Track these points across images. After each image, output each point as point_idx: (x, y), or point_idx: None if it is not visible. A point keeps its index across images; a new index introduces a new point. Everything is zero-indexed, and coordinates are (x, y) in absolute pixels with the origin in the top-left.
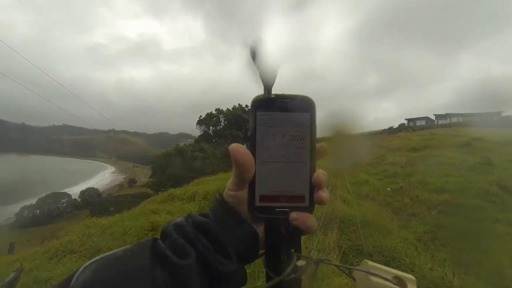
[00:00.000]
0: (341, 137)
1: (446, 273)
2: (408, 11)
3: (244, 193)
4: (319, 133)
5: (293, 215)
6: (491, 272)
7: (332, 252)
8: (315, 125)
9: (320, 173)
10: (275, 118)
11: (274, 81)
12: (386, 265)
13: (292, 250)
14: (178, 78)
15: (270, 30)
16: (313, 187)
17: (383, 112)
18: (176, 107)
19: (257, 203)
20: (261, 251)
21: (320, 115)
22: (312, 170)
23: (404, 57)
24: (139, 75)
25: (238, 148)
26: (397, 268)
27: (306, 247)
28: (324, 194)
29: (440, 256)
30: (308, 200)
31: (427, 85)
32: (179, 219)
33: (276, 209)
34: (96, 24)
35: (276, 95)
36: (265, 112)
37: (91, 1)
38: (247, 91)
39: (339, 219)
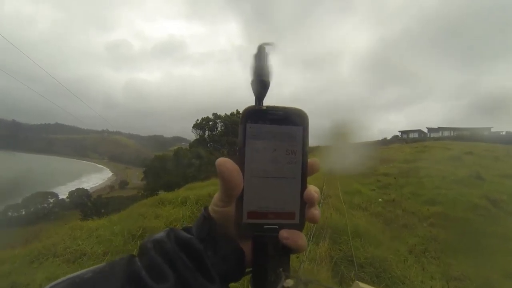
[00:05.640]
0: (339, 146)
1: (436, 286)
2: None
3: (231, 209)
4: (321, 142)
5: (283, 233)
6: (480, 286)
7: (323, 262)
8: (307, 140)
9: (312, 190)
10: (266, 131)
11: (266, 92)
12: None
13: (281, 269)
14: (195, 81)
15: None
16: (304, 204)
17: (393, 124)
18: (179, 110)
19: (245, 219)
20: (248, 269)
21: (327, 125)
22: (304, 186)
23: (427, 72)
24: (153, 77)
25: (225, 163)
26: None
27: (297, 257)
28: (315, 211)
29: (431, 269)
30: (299, 217)
31: (446, 99)
32: (160, 234)
33: (265, 226)
34: (121, 24)
35: (268, 106)
36: (255, 124)
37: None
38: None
39: (331, 228)
